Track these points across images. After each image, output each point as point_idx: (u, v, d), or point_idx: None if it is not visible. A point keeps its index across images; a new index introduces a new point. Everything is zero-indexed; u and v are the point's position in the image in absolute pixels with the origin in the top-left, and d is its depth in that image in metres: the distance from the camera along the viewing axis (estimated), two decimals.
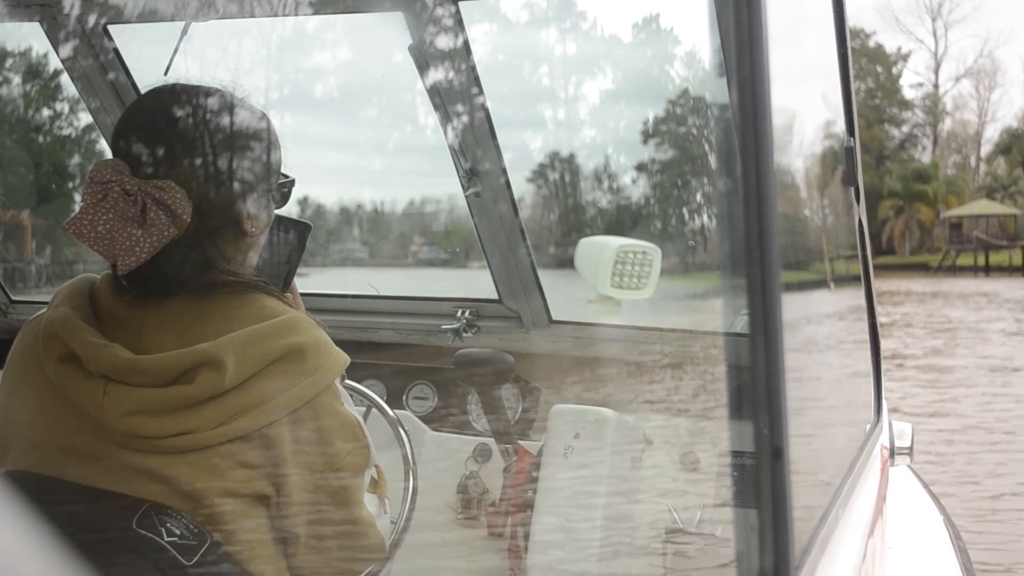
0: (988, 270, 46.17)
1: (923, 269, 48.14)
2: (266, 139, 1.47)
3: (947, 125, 64.84)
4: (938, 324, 21.20)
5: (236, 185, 1.43)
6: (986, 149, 62.96)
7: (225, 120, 1.43)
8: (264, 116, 1.49)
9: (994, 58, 68.89)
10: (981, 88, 64.30)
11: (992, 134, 63.22)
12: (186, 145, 1.40)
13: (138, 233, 1.32)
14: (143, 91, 1.49)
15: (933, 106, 64.34)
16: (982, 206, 52.97)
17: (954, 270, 47.25)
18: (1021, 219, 53.20)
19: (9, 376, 1.43)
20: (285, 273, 1.64)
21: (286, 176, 1.54)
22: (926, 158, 61.43)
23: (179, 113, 1.41)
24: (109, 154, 1.43)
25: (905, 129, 64.06)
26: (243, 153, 1.44)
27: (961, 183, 58.92)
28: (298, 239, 1.65)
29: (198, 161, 1.39)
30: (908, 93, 65.11)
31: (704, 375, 2.51)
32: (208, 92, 1.44)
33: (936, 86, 65.01)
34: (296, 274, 1.66)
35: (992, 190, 57.39)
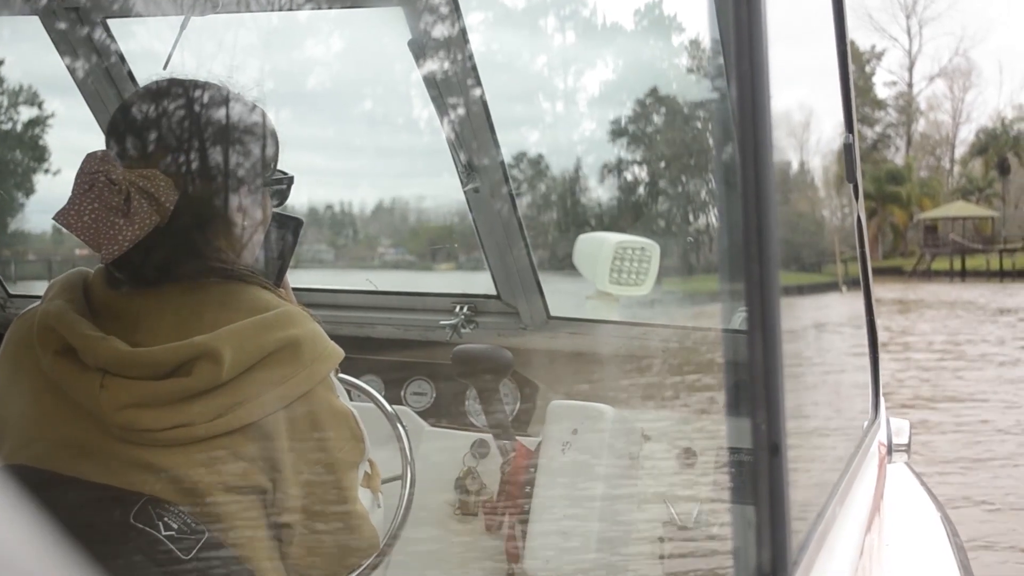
0: (964, 275, 44.57)
1: (897, 274, 45.66)
2: (258, 133, 1.48)
3: (921, 126, 63.52)
4: (926, 348, 16.77)
5: (224, 177, 1.44)
6: (960, 151, 61.74)
7: (215, 113, 1.44)
8: (258, 110, 1.49)
9: (969, 57, 66.79)
10: (955, 88, 62.94)
11: (967, 135, 61.95)
12: (174, 137, 1.41)
13: (121, 222, 1.33)
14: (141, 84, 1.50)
15: (907, 106, 62.82)
16: (958, 208, 51.74)
17: (929, 275, 45.56)
18: (998, 222, 51.94)
19: (2, 370, 1.43)
20: (277, 268, 1.64)
21: (283, 173, 1.55)
22: (899, 159, 59.86)
23: (169, 106, 1.42)
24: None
25: (878, 129, 62.36)
26: (232, 146, 1.45)
27: (935, 185, 57.61)
28: (290, 234, 1.66)
29: (186, 152, 1.40)
30: (881, 92, 63.48)
31: (702, 371, 2.52)
32: (200, 86, 1.45)
33: (910, 85, 63.50)
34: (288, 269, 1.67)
35: (967, 192, 56.19)
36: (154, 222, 1.34)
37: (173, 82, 1.45)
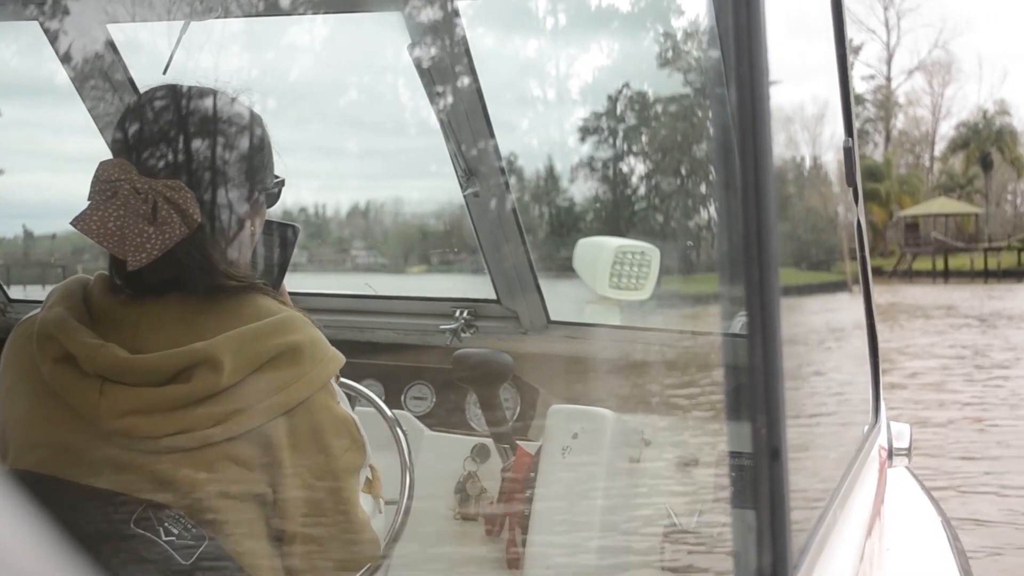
0: (948, 275, 41.94)
1: (876, 274, 38.27)
2: (262, 139, 1.48)
3: (900, 121, 60.92)
4: (929, 385, 12.16)
5: (238, 186, 1.44)
6: (940, 147, 59.12)
7: (223, 121, 1.45)
8: (257, 116, 1.49)
9: (948, 50, 64.03)
10: (935, 83, 60.27)
11: (946, 131, 59.27)
12: (187, 147, 1.41)
13: (150, 230, 1.32)
14: (142, 91, 1.50)
15: (885, 100, 60.05)
16: (940, 204, 49.36)
17: (910, 275, 42.74)
18: (982, 219, 49.73)
19: (4, 378, 1.43)
20: (275, 275, 1.65)
21: (277, 176, 1.55)
22: (878, 155, 56.79)
23: (179, 115, 1.42)
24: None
25: (856, 124, 60.30)
26: (243, 154, 1.45)
27: (915, 181, 55.22)
28: (288, 241, 1.67)
29: (200, 162, 1.40)
30: (859, 86, 60.06)
31: (702, 375, 2.52)
32: (205, 93, 1.44)
33: (888, 79, 60.70)
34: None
35: (948, 189, 54.04)
36: (182, 233, 1.33)
37: (174, 91, 1.44)
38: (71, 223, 1.34)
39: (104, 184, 1.34)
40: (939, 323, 21.69)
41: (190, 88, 1.45)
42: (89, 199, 1.35)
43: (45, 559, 0.34)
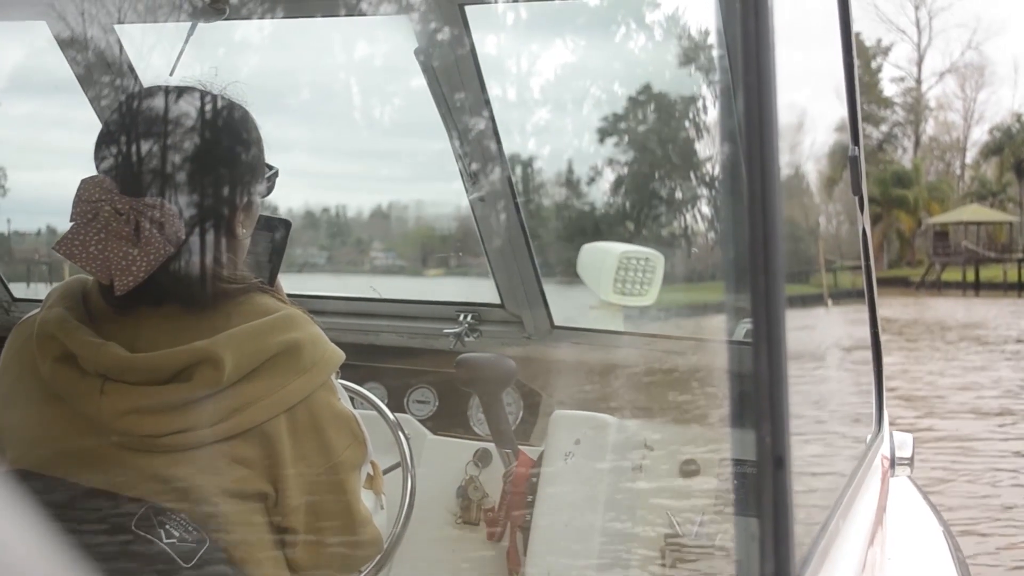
0: (979, 287, 38.89)
1: (903, 285, 39.96)
2: (252, 138, 1.44)
3: (930, 126, 58.34)
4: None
5: (226, 192, 1.41)
6: (971, 153, 56.62)
7: (209, 124, 1.40)
8: (246, 112, 1.45)
9: (982, 52, 61.75)
10: (967, 87, 57.53)
11: (979, 136, 56.74)
12: (171, 156, 1.37)
13: (134, 252, 1.30)
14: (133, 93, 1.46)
15: (915, 103, 57.46)
16: (971, 212, 46.88)
17: (939, 286, 39.99)
18: (1016, 228, 46.86)
19: (3, 378, 1.42)
20: (269, 271, 1.65)
21: (270, 167, 1.51)
22: (906, 161, 54.41)
23: (161, 122, 1.37)
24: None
25: (884, 128, 56.06)
26: (231, 158, 1.41)
27: (945, 188, 52.57)
28: (281, 237, 1.67)
29: (186, 172, 1.36)
30: (888, 88, 57.54)
31: (706, 382, 2.51)
32: (188, 95, 1.40)
33: (919, 81, 57.89)
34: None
35: (979, 196, 51.58)
36: (167, 252, 1.31)
37: (156, 96, 1.40)
38: (53, 247, 1.32)
39: (85, 205, 1.31)
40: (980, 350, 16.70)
41: (172, 90, 1.40)
42: (71, 220, 1.32)
43: (45, 560, 0.34)
